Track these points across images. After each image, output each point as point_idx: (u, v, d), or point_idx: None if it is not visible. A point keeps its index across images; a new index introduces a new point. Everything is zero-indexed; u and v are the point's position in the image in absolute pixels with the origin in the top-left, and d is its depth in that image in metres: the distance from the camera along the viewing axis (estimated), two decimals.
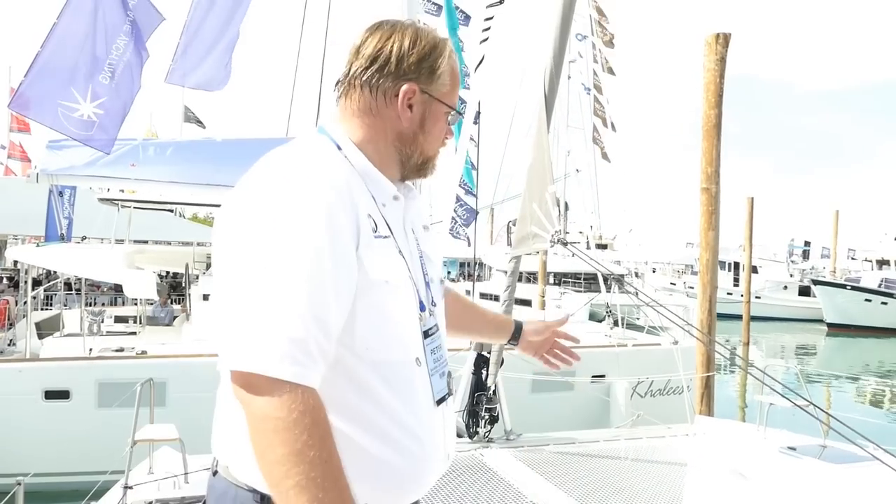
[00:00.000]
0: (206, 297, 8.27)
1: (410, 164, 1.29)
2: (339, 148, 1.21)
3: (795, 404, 3.69)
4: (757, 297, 27.06)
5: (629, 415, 7.90)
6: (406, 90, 1.23)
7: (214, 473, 1.22)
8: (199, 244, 11.20)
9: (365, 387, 1.14)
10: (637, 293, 4.47)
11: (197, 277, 9.18)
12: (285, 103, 10.65)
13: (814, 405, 3.64)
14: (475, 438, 4.38)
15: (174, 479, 3.40)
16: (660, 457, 4.42)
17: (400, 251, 1.21)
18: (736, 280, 31.02)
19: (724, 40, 7.39)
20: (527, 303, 15.66)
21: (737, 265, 31.43)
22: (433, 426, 1.24)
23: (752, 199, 22.98)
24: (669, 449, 4.54)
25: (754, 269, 26.01)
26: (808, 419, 3.63)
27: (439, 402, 1.26)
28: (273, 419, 1.00)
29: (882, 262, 33.20)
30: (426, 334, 1.25)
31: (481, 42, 10.92)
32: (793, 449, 4.09)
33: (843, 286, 29.97)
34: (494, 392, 4.49)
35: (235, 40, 8.79)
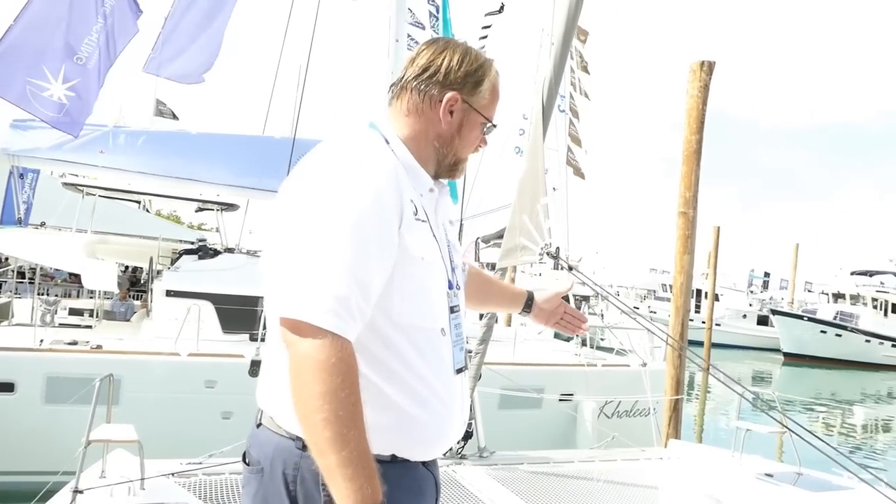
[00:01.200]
0: (168, 294, 7.93)
1: (444, 163, 1.47)
2: (387, 142, 1.39)
3: (793, 431, 3.64)
4: (717, 325, 27.50)
5: (596, 434, 7.84)
6: (450, 98, 1.41)
7: (258, 426, 1.37)
8: (164, 239, 10.80)
9: (397, 349, 1.30)
10: (601, 308, 4.40)
11: (160, 272, 8.82)
12: (262, 100, 10.45)
13: (806, 429, 3.61)
14: (447, 454, 4.24)
15: (129, 484, 3.17)
16: (634, 479, 4.34)
17: (434, 235, 1.39)
18: (697, 307, 31.46)
19: (708, 68, 7.47)
20: None
21: (698, 292, 31.90)
22: (454, 392, 1.40)
23: (718, 228, 23.40)
24: (644, 472, 4.46)
25: (716, 297, 26.41)
26: (776, 443, 3.60)
27: (458, 371, 1.43)
28: (314, 360, 1.15)
29: (837, 296, 34.06)
30: (451, 310, 1.42)
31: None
32: (769, 475, 4.06)
33: (800, 317, 30.69)
34: (470, 407, 4.36)
35: (220, 38, 8.60)
